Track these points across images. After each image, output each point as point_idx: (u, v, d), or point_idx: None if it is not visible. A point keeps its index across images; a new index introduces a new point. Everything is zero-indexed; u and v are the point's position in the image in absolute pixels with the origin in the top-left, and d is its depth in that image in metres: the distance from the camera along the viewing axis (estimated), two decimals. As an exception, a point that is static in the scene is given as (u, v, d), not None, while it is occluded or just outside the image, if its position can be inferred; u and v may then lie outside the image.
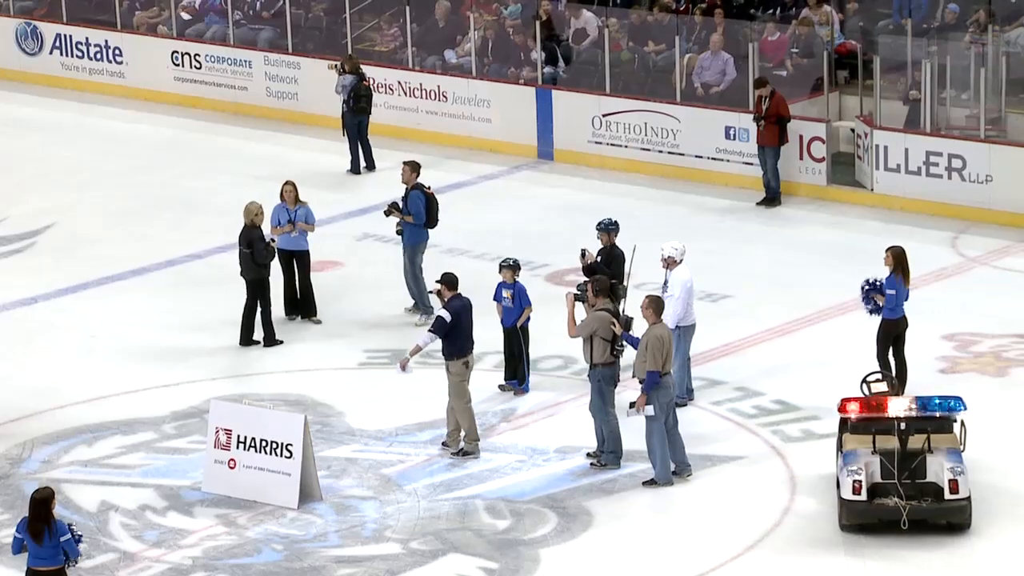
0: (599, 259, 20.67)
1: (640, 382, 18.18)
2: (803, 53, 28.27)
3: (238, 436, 18.21)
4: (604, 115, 28.52)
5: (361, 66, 28.58)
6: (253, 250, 21.68)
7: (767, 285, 23.62)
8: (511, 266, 20.43)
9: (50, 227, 25.96)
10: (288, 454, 17.96)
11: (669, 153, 28.06)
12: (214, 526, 17.73)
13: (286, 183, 22.77)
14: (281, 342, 21.82)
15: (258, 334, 21.84)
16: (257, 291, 21.75)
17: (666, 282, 19.83)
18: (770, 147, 26.46)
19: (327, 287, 23.42)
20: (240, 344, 21.76)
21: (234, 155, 29.09)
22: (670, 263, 19.85)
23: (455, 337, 19.02)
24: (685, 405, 19.60)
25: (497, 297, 20.47)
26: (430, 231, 22.89)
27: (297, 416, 18.30)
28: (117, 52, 32.90)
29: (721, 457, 18.96)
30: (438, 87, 30.00)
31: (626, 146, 28.37)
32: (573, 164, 28.56)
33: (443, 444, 19.20)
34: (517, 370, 20.52)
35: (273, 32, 31.81)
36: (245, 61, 31.72)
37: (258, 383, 20.91)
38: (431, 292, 20.35)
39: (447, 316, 18.96)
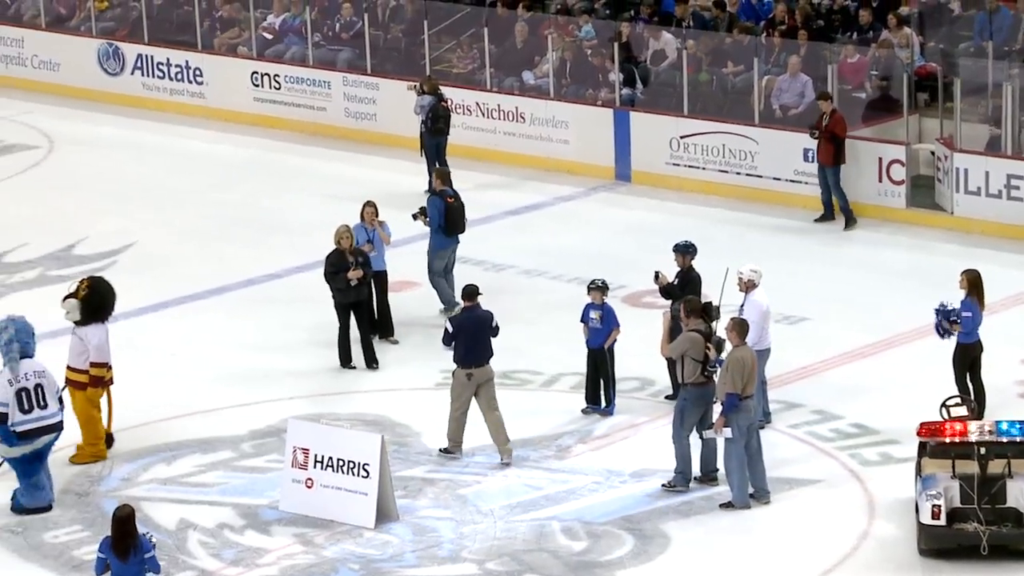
0: (675, 281, 20.62)
1: (721, 404, 18.16)
2: (883, 75, 28.15)
3: (316, 455, 18.28)
4: (682, 137, 28.49)
5: (440, 87, 28.66)
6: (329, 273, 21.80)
7: (845, 308, 23.52)
8: (599, 287, 20.39)
9: (130, 246, 26.11)
10: (365, 474, 18.02)
11: (747, 175, 28.00)
12: (291, 545, 17.79)
13: (367, 203, 22.88)
14: (353, 367, 21.88)
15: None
16: (340, 314, 21.84)
17: (742, 305, 19.76)
18: (827, 166, 26.43)
19: (404, 307, 23.48)
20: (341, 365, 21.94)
21: (312, 175, 29.20)
22: (748, 286, 19.76)
23: (458, 346, 19.40)
24: (763, 428, 19.53)
25: (584, 318, 20.43)
26: (459, 238, 23.48)
27: (374, 436, 18.37)
28: (198, 72, 33.12)
29: (799, 480, 18.89)
30: (516, 108, 30.05)
31: (704, 168, 28.33)
32: (650, 186, 28.53)
33: (502, 463, 19.30)
34: (599, 392, 20.48)
35: (352, 53, 31.95)
36: (324, 82, 31.86)
37: (336, 403, 20.96)
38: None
39: (449, 327, 19.51)
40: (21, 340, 18.58)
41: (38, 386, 18.45)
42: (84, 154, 31.01)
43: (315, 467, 18.25)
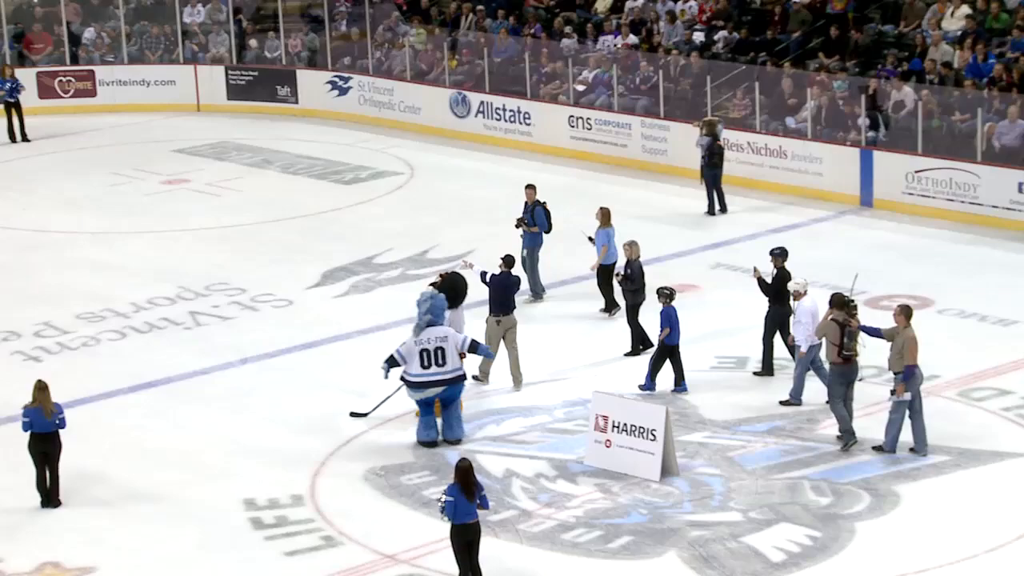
0: (771, 278, 20.41)
1: (895, 374, 17.97)
2: (1087, 121, 27.22)
3: (613, 421, 18.24)
4: (916, 171, 27.87)
5: (716, 129, 28.45)
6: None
7: (1051, 313, 22.77)
8: (663, 293, 20.16)
9: (471, 252, 26.36)
10: (652, 437, 17.94)
11: (970, 203, 27.28)
12: (593, 492, 17.79)
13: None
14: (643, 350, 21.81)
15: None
16: (628, 311, 21.81)
17: (793, 311, 19.65)
18: None
19: (688, 306, 23.21)
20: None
21: (615, 198, 29.04)
22: (796, 295, 19.43)
23: (491, 299, 20.40)
24: (800, 405, 19.39)
25: None
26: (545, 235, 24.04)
27: (660, 407, 18.26)
28: (526, 116, 33.36)
29: (1008, 453, 18.29)
30: (780, 146, 29.69)
31: (934, 197, 27.67)
32: (889, 211, 27.97)
33: (514, 389, 20.07)
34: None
35: (648, 101, 31.88)
36: (626, 124, 31.85)
37: (628, 379, 20.85)
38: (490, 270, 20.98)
39: (484, 279, 20.58)
40: (434, 312, 18.90)
41: (438, 348, 18.75)
42: (437, 179, 31.44)
43: (613, 431, 18.23)
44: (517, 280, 21.11)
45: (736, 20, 33.26)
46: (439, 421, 19.02)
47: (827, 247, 26.40)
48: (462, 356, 18.94)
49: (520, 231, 24.09)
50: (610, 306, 23.13)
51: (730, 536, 16.64)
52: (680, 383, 20.24)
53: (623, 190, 29.99)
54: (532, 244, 24.01)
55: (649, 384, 20.25)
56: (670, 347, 20.17)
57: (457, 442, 18.73)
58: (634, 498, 17.56)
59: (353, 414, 19.79)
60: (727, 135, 29.10)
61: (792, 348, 20.01)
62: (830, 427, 19.08)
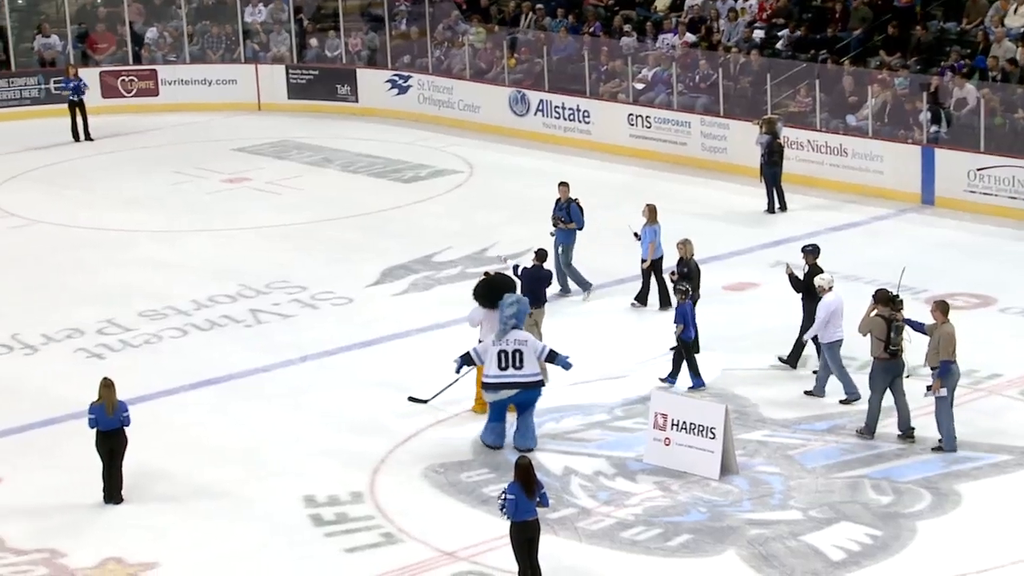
0: (802, 274, 20.49)
1: (932, 369, 17.85)
2: None
3: (672, 420, 18.22)
4: (978, 169, 27.67)
5: (776, 127, 28.35)
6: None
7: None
8: (680, 291, 20.32)
9: (527, 251, 26.29)
10: (712, 436, 17.91)
11: (1033, 201, 27.16)
12: (652, 490, 17.77)
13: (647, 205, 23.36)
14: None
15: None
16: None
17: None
18: None
19: (745, 304, 23.25)
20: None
21: (674, 197, 29.07)
22: (821, 291, 19.55)
23: (522, 292, 19.94)
24: (857, 400, 19.26)
25: None
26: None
27: (719, 405, 18.23)
28: (586, 114, 33.35)
29: (1072, 453, 18.18)
30: (840, 144, 29.55)
31: (996, 195, 27.47)
32: (951, 209, 27.78)
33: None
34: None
35: (708, 99, 31.80)
36: (685, 122, 31.78)
37: (687, 379, 20.79)
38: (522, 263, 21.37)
39: (516, 272, 20.65)
40: (519, 317, 18.92)
41: (516, 351, 18.68)
42: (496, 178, 31.46)
43: (672, 429, 18.21)
44: (549, 274, 21.33)
45: (796, 17, 33.14)
46: (508, 427, 18.97)
47: (887, 245, 26.26)
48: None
49: (552, 229, 24.05)
50: (641, 298, 23.19)
51: (790, 535, 16.59)
52: (670, 377, 20.23)
53: (682, 188, 29.94)
54: (566, 241, 24.02)
55: (698, 382, 20.20)
56: (686, 343, 20.12)
57: (528, 452, 18.60)
58: (693, 496, 17.54)
59: (412, 399, 19.85)
60: (787, 133, 29.00)
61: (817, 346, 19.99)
62: (890, 425, 18.97)
